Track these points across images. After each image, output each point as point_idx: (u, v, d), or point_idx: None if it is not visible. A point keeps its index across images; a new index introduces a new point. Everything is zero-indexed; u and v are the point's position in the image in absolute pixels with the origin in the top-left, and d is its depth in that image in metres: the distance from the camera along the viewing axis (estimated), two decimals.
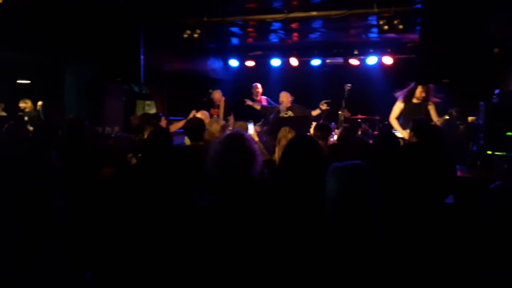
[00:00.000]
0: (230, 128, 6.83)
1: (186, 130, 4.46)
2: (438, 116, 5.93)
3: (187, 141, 5.49)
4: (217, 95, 8.13)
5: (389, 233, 2.42)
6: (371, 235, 1.90)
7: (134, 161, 4.38)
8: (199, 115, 5.66)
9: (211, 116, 7.71)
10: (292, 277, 1.88)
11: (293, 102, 7.78)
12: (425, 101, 6.05)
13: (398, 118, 6.30)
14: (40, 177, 2.44)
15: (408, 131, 5.90)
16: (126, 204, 2.67)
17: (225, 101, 8.14)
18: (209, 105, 8.14)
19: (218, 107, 8.13)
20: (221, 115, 8.01)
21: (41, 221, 2.33)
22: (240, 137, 2.74)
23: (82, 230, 2.71)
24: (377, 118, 7.84)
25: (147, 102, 10.73)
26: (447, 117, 5.84)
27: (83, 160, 3.61)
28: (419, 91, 6.01)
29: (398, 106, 6.24)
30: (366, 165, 2.04)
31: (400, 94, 6.24)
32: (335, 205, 1.96)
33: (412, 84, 6.12)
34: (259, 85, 8.68)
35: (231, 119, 7.92)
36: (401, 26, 5.78)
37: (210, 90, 8.25)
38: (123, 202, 2.74)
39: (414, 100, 6.10)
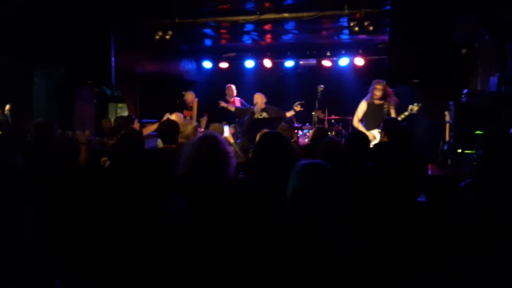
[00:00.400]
0: (202, 129, 6.79)
1: (159, 133, 4.40)
2: (397, 115, 6.13)
3: (160, 143, 5.43)
4: (190, 96, 8.08)
5: (362, 232, 2.44)
6: (327, 234, 1.92)
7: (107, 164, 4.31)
8: (173, 117, 5.60)
9: (184, 117, 7.66)
10: (260, 276, 1.88)
11: (267, 103, 7.80)
12: (385, 101, 6.25)
13: (361, 120, 6.48)
14: (5, 183, 2.37)
15: (371, 132, 6.08)
16: (97, 209, 2.62)
17: (198, 102, 8.09)
18: (182, 107, 8.08)
19: (191, 108, 8.07)
20: (194, 117, 7.95)
21: (6, 226, 2.27)
22: (213, 139, 2.72)
23: (51, 236, 2.65)
24: (350, 118, 7.91)
25: (120, 104, 10.61)
26: (406, 113, 6.06)
27: (51, 165, 3.53)
28: (377, 91, 6.21)
29: (361, 108, 6.42)
30: (326, 165, 2.06)
31: (365, 97, 6.43)
32: (292, 203, 1.98)
33: (372, 86, 6.32)
34: (232, 86, 8.66)
35: (204, 120, 7.87)
36: (371, 28, 5.87)
37: (183, 92, 8.19)
38: (94, 207, 2.69)
39: (375, 101, 6.28)
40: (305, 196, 1.97)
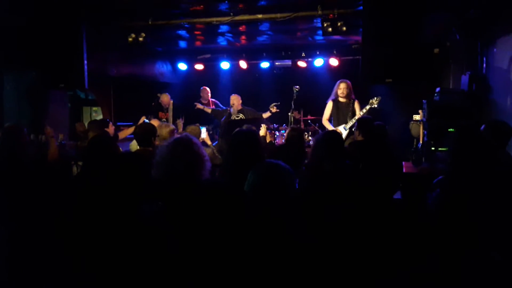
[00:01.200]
0: (180, 131, 6.75)
1: (135, 136, 4.37)
2: (360, 110, 6.37)
3: (133, 147, 5.37)
4: (165, 98, 8.03)
5: (338, 229, 2.45)
6: (283, 232, 1.96)
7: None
8: (154, 123, 5.55)
9: (160, 120, 7.60)
10: (235, 273, 1.89)
11: (243, 104, 7.80)
12: (349, 99, 6.50)
13: (329, 120, 6.72)
14: None
15: (337, 128, 6.32)
16: (69, 214, 2.57)
17: (174, 104, 8.04)
18: (158, 109, 8.02)
19: (167, 110, 8.02)
20: (170, 119, 7.90)
21: None
22: (187, 142, 2.70)
23: (25, 245, 2.58)
24: None
25: (94, 108, 10.46)
26: (368, 107, 6.26)
27: (21, 171, 3.44)
28: (340, 90, 6.47)
29: (328, 108, 6.67)
30: (279, 163, 2.14)
31: (330, 97, 6.69)
32: (249, 199, 2.06)
33: (336, 85, 6.57)
34: (207, 89, 8.64)
35: (180, 122, 7.82)
36: (344, 28, 5.91)
37: (158, 94, 8.13)
38: (66, 212, 2.64)
39: (340, 100, 6.52)
40: (256, 192, 2.06)
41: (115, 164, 2.37)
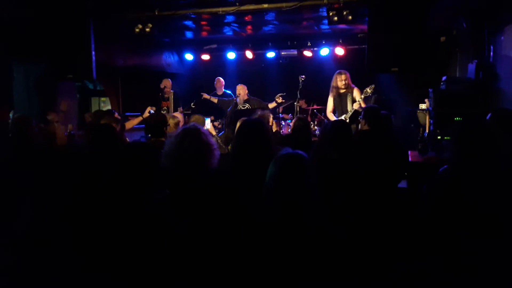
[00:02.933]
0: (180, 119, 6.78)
1: (147, 127, 4.43)
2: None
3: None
4: (168, 83, 8.01)
5: (343, 219, 2.49)
6: (306, 223, 1.95)
7: None
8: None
9: (161, 108, 7.66)
10: (243, 266, 1.91)
11: (249, 94, 7.83)
12: (348, 89, 6.57)
13: (334, 112, 6.83)
14: None
15: (340, 119, 6.31)
16: (79, 205, 2.62)
17: (174, 94, 8.06)
18: (162, 99, 8.04)
19: (167, 99, 8.01)
20: (171, 108, 7.93)
21: None
22: (196, 131, 2.74)
23: (37, 235, 2.64)
24: None
25: (102, 98, 10.50)
26: (363, 96, 6.34)
27: (30, 161, 3.49)
28: (339, 81, 6.57)
29: (330, 101, 6.81)
30: (303, 155, 2.10)
31: (330, 90, 6.80)
32: (269, 192, 2.02)
33: (334, 77, 6.67)
34: (221, 79, 8.67)
35: (179, 111, 7.86)
36: (350, 17, 5.90)
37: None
38: (76, 203, 2.69)
39: (341, 91, 6.61)
40: (278, 185, 2.00)
41: (126, 154, 2.41)
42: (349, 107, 6.49)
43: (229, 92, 8.59)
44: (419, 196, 2.56)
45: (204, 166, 2.64)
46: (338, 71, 6.69)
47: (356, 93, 6.52)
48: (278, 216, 1.95)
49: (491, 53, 5.65)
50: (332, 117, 6.75)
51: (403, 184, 4.28)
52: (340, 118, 6.46)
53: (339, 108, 6.66)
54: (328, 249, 1.92)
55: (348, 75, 6.58)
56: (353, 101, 6.47)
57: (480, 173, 2.33)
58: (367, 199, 3.02)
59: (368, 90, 6.25)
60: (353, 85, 6.58)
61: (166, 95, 8.03)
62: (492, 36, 5.63)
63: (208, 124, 6.21)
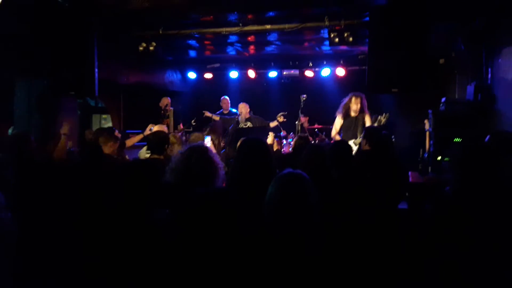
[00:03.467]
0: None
1: (149, 143, 4.43)
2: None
3: (141, 154, 5.43)
4: (165, 101, 8.02)
5: (344, 238, 2.49)
6: (306, 242, 1.94)
7: None
8: (156, 128, 5.61)
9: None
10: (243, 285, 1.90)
11: (251, 113, 7.88)
12: (361, 113, 6.34)
13: (339, 133, 6.57)
14: None
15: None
16: (76, 220, 2.62)
17: (174, 111, 8.10)
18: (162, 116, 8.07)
19: (167, 116, 8.03)
20: (171, 124, 7.96)
21: None
22: (203, 150, 2.76)
23: (34, 254, 2.63)
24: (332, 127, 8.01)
25: (104, 115, 10.54)
26: (376, 124, 6.04)
27: (29, 178, 3.50)
28: (353, 104, 6.31)
29: (338, 122, 6.54)
30: (303, 174, 2.08)
31: (339, 111, 6.52)
32: (270, 211, 2.01)
33: (346, 99, 6.42)
34: (227, 98, 8.73)
35: (179, 128, 7.89)
36: (351, 39, 5.99)
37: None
38: (73, 218, 2.69)
39: (352, 114, 6.38)
40: (279, 205, 1.98)
41: (122, 172, 2.41)
42: (359, 133, 6.21)
43: (235, 111, 8.61)
44: (421, 215, 2.57)
45: (208, 185, 2.65)
46: (354, 93, 6.38)
47: (367, 119, 6.32)
48: (278, 236, 1.95)
49: (489, 75, 5.71)
50: (338, 138, 6.49)
51: (403, 205, 4.28)
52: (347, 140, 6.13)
53: (348, 131, 6.40)
54: (328, 269, 1.92)
55: (364, 99, 6.33)
56: (363, 127, 6.03)
57: (481, 196, 2.35)
58: (367, 219, 3.03)
59: (383, 119, 5.99)
60: (366, 110, 6.37)
61: (167, 113, 8.07)
62: (490, 58, 5.70)
63: (208, 142, 6.24)
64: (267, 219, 2.02)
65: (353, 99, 6.33)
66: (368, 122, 6.27)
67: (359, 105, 6.30)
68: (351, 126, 6.40)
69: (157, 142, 4.27)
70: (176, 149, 4.51)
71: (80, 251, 2.29)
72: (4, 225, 2.03)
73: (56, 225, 2.75)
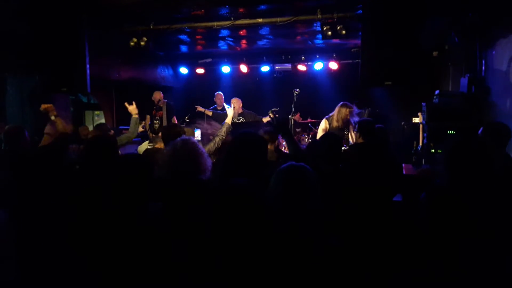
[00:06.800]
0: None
1: (163, 136, 4.43)
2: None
3: (142, 148, 5.42)
4: (157, 95, 7.95)
5: (338, 232, 2.47)
6: (309, 235, 1.93)
7: None
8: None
9: (154, 117, 7.63)
10: (242, 280, 1.89)
11: (244, 108, 7.85)
12: (346, 126, 5.96)
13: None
14: None
15: None
16: (71, 215, 2.60)
17: (167, 104, 8.04)
18: (152, 107, 8.00)
19: (160, 109, 7.95)
20: (164, 117, 7.91)
21: None
22: (187, 140, 2.81)
23: (30, 248, 2.61)
24: None
25: (96, 112, 10.49)
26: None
27: (23, 173, 3.46)
28: (340, 115, 5.86)
29: (321, 127, 6.14)
30: (305, 166, 2.06)
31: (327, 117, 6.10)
32: (273, 204, 1.99)
33: (337, 107, 5.97)
34: (221, 94, 8.67)
35: (174, 121, 7.84)
36: (343, 32, 5.96)
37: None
38: (68, 213, 2.67)
39: (334, 124, 5.95)
40: (284, 199, 1.97)
41: (119, 167, 2.39)
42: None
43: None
44: (417, 204, 2.56)
45: (197, 172, 2.71)
46: (343, 103, 5.97)
47: (351, 134, 5.92)
48: (281, 227, 1.94)
49: (483, 68, 5.72)
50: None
51: (397, 197, 4.28)
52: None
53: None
54: (328, 262, 1.90)
55: (351, 111, 5.85)
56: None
57: (472, 188, 2.33)
58: (361, 212, 3.02)
59: (364, 115, 5.63)
60: (353, 124, 5.72)
61: (160, 105, 8.01)
62: (484, 50, 5.71)
63: (198, 135, 6.22)
64: (270, 211, 2.00)
65: (343, 109, 5.87)
66: (350, 138, 5.96)
67: (345, 118, 5.85)
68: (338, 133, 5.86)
69: (170, 135, 4.25)
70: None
71: (76, 248, 2.28)
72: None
73: (51, 221, 2.73)
